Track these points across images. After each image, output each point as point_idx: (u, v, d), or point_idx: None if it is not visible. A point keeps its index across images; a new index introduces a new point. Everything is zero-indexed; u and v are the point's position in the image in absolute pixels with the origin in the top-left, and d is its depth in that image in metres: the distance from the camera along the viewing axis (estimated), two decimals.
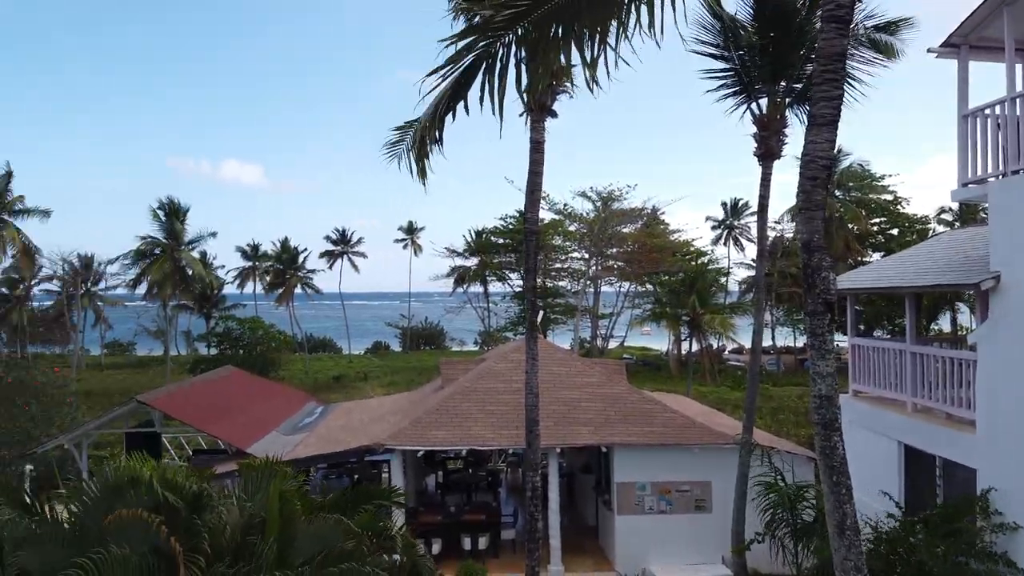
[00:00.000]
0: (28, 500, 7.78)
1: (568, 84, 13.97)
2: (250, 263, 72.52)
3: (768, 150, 15.01)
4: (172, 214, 53.02)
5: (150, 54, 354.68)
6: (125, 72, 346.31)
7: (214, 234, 56.83)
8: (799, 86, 15.10)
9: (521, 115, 13.36)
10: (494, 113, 6.42)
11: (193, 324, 70.34)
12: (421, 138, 6.91)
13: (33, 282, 59.43)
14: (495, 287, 65.09)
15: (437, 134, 6.79)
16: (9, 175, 48.19)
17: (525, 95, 7.11)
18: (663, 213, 57.67)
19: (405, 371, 53.33)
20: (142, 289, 54.99)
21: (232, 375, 27.48)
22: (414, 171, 7.26)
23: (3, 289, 59.60)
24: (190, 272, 53.66)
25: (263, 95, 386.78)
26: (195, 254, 55.73)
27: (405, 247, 77.49)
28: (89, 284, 64.04)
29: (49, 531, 6.74)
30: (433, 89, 6.38)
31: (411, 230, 76.83)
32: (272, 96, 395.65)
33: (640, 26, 6.09)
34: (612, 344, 66.04)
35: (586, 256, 56.68)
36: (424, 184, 7.38)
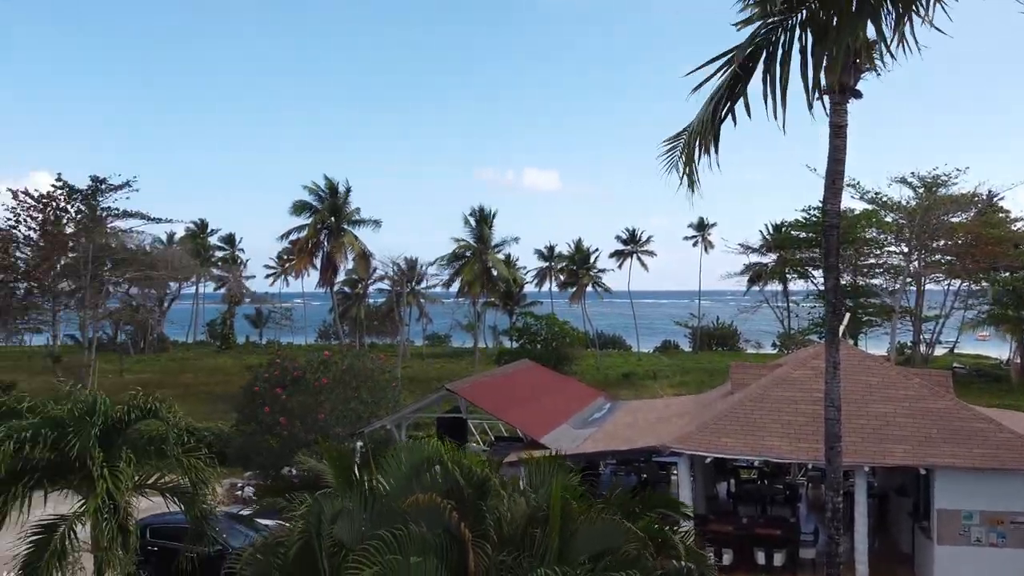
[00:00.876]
0: (355, 476, 8.94)
1: (877, 60, 12.55)
2: (546, 263, 76.24)
3: None
4: (481, 221, 59.06)
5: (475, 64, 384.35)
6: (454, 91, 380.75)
7: (517, 239, 61.99)
8: None
9: (818, 99, 12.24)
10: (775, 103, 5.90)
11: (498, 319, 75.98)
12: (689, 146, 6.55)
13: (369, 282, 68.77)
14: (796, 285, 61.12)
15: (712, 139, 6.38)
16: (348, 191, 56.57)
17: (822, 77, 6.45)
18: (1002, 199, 49.84)
19: (695, 371, 52.14)
20: (455, 288, 61.36)
21: (529, 368, 29.00)
22: (683, 182, 6.90)
23: (346, 288, 70.00)
24: (495, 273, 58.80)
25: (562, 98, 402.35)
26: (500, 256, 60.69)
27: (695, 244, 76.07)
28: (413, 283, 72.29)
29: (359, 505, 7.64)
30: (704, 82, 6.01)
31: (701, 227, 75.07)
32: (569, 98, 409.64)
33: None
34: (939, 351, 58.38)
35: (906, 250, 50.72)
36: (694, 192, 6.98)
